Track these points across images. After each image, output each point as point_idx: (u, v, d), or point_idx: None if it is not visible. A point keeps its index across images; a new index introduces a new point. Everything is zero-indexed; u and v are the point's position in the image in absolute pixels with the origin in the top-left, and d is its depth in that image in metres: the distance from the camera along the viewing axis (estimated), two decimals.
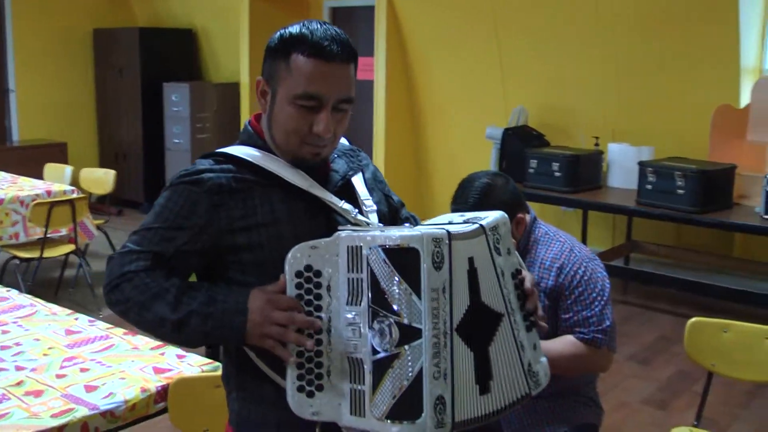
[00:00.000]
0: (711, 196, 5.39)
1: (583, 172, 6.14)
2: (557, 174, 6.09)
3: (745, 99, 6.11)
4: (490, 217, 1.75)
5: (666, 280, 5.90)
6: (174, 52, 9.28)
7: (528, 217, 2.55)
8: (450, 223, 1.73)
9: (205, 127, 8.86)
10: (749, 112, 5.99)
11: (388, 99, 7.76)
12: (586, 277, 2.45)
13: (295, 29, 1.69)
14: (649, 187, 5.60)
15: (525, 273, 1.82)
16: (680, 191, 5.40)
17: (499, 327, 1.68)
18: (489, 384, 1.64)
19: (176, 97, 8.81)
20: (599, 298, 2.44)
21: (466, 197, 2.44)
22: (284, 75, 1.68)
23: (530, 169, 6.24)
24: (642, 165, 5.69)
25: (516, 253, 1.81)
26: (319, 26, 1.69)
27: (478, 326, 1.63)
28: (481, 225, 1.69)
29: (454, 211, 2.46)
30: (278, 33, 1.72)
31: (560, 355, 2.39)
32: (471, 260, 1.63)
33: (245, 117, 8.63)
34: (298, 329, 1.60)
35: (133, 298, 1.63)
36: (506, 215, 1.79)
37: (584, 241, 6.29)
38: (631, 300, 6.18)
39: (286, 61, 1.67)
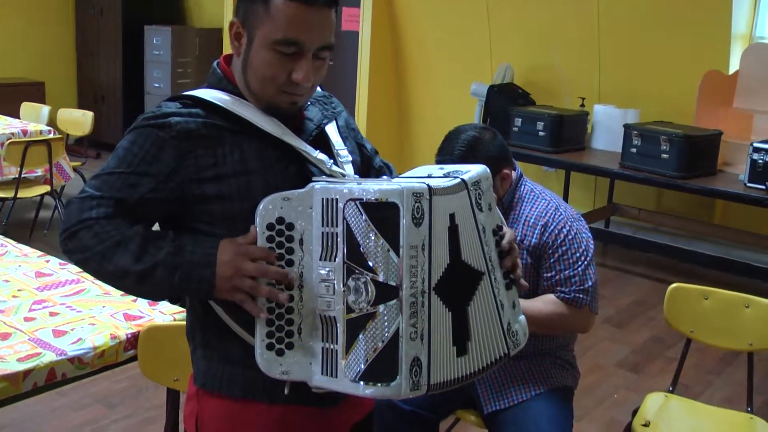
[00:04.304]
0: (695, 162, 5.36)
1: (567, 133, 6.10)
2: (541, 133, 6.05)
3: (734, 65, 6.06)
4: (472, 171, 1.68)
5: (645, 244, 5.90)
6: None
7: (514, 174, 2.50)
8: (429, 176, 1.66)
9: (186, 72, 8.73)
10: (737, 78, 5.96)
11: (373, 51, 7.66)
12: (570, 237, 2.41)
13: None
14: (633, 150, 5.56)
15: (506, 229, 1.76)
16: (664, 156, 5.37)
17: (479, 286, 1.63)
18: (467, 345, 1.59)
19: (158, 41, 8.66)
20: (582, 258, 2.41)
21: (452, 149, 2.38)
22: (263, 18, 1.58)
23: (514, 128, 6.19)
24: (627, 128, 5.65)
25: (497, 208, 1.75)
26: None
27: (457, 285, 1.58)
28: (462, 180, 1.62)
29: (439, 162, 2.40)
30: None
31: (540, 312, 2.36)
32: (452, 216, 1.57)
33: None
34: (270, 282, 1.54)
35: (93, 247, 1.53)
36: (488, 169, 1.72)
37: (565, 201, 6.26)
38: (609, 263, 6.17)
39: (265, 3, 1.57)
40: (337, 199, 1.50)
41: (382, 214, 1.46)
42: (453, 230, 1.57)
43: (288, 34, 1.57)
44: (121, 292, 2.58)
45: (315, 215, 1.53)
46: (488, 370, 1.64)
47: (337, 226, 1.50)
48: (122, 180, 1.57)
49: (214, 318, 1.65)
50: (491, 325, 1.64)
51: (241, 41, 1.64)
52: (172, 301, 1.89)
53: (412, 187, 1.48)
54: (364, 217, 1.46)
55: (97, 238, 1.53)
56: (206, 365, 1.71)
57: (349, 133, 1.87)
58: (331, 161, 1.69)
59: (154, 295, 1.63)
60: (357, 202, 1.47)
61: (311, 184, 1.55)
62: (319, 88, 1.84)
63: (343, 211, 1.48)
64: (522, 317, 1.78)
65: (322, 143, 1.74)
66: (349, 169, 1.74)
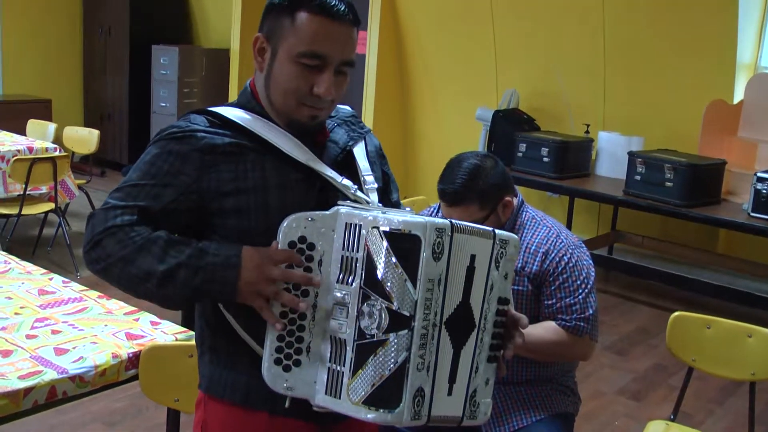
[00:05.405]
0: (699, 191, 5.37)
1: (571, 159, 6.11)
2: (546, 159, 6.06)
3: (738, 95, 6.08)
4: (506, 233, 1.69)
5: (648, 272, 5.89)
6: (164, 14, 9.15)
7: (515, 201, 2.50)
8: None
9: (193, 92, 8.76)
10: (742, 108, 5.97)
11: (379, 74, 7.68)
12: (571, 264, 2.41)
13: None
14: (637, 177, 5.57)
15: (513, 309, 1.75)
16: (669, 184, 5.38)
17: (469, 337, 1.62)
18: (453, 387, 1.60)
19: (165, 60, 8.70)
20: (583, 285, 2.41)
21: (454, 178, 2.39)
22: (288, 32, 1.62)
23: (519, 153, 6.20)
24: (631, 155, 5.66)
25: (510, 284, 1.73)
26: None
27: (460, 325, 1.59)
28: (493, 230, 1.64)
29: (440, 190, 2.41)
30: None
31: (540, 339, 2.36)
32: (473, 258, 1.59)
33: (234, 84, 8.55)
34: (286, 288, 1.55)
35: (116, 253, 1.56)
36: (519, 243, 1.72)
37: (569, 228, 6.26)
38: (612, 290, 6.16)
39: (291, 17, 1.62)
40: (360, 225, 1.52)
41: (404, 245, 1.48)
42: (471, 270, 1.59)
43: (313, 47, 1.61)
44: (124, 312, 2.61)
45: (337, 238, 1.55)
46: (440, 423, 1.60)
47: (357, 251, 1.52)
48: (145, 191, 1.61)
49: (224, 325, 1.67)
50: (461, 382, 1.63)
51: (265, 56, 1.68)
52: (186, 311, 1.88)
53: (435, 222, 1.50)
54: (385, 246, 1.48)
55: (121, 244, 1.56)
56: (211, 370, 1.73)
57: (378, 159, 1.89)
58: (356, 187, 1.71)
59: (173, 300, 1.60)
60: (380, 231, 1.49)
61: (336, 208, 1.58)
62: (348, 108, 1.87)
63: (366, 238, 1.50)
64: (489, 400, 1.71)
65: (349, 166, 1.76)
66: (374, 197, 1.75)
